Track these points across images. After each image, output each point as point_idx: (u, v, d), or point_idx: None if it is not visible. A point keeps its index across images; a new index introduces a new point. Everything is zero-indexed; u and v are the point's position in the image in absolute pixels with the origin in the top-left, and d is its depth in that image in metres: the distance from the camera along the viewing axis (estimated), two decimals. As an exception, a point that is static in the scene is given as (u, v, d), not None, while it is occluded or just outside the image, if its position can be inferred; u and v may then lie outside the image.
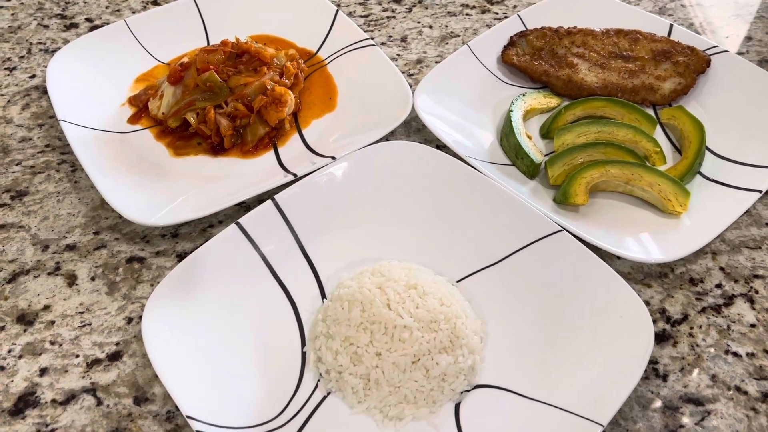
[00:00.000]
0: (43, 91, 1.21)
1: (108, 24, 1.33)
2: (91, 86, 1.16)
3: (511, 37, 1.22)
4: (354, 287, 0.83)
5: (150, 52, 1.25)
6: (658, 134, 1.11)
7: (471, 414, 0.78)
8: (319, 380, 0.81)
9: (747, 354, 0.84)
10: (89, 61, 1.19)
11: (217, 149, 1.08)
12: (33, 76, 1.24)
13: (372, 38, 1.22)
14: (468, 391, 0.80)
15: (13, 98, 1.19)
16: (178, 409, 0.79)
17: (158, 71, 1.22)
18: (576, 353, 0.80)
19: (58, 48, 1.26)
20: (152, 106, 1.12)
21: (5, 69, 1.25)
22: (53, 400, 0.80)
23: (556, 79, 1.16)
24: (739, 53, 1.28)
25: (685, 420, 0.78)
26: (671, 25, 1.22)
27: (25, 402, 0.80)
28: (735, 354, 0.84)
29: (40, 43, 1.33)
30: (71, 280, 0.92)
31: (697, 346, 0.85)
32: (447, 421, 0.77)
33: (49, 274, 0.93)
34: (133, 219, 0.92)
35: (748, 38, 1.33)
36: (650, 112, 1.14)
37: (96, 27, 1.36)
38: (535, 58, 1.19)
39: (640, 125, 1.08)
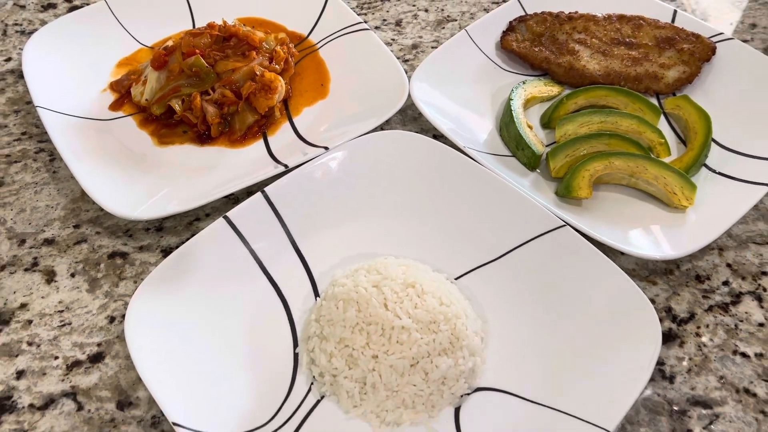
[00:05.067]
0: (19, 75, 1.15)
1: (88, 5, 1.26)
2: (70, 71, 1.11)
3: (511, 23, 1.18)
4: (349, 286, 0.80)
5: (132, 34, 1.20)
6: (662, 124, 1.07)
7: (472, 418, 0.75)
8: (312, 383, 0.78)
9: (756, 354, 0.82)
10: (68, 43, 1.14)
11: (204, 138, 1.04)
12: (8, 59, 1.19)
13: (365, 22, 1.17)
14: (468, 394, 0.77)
15: (-12, 83, 1.14)
16: (164, 414, 0.75)
17: (141, 55, 1.18)
18: (581, 354, 0.78)
19: (35, 30, 1.20)
20: (135, 92, 1.07)
21: (-21, 52, 1.20)
22: (31, 405, 0.76)
23: (557, 66, 1.12)
24: (744, 41, 1.24)
25: (693, 424, 0.76)
26: (675, 11, 1.19)
27: (1, 407, 0.76)
28: (743, 354, 0.82)
29: (16, 24, 1.27)
30: (50, 276, 0.88)
31: (705, 346, 0.82)
32: (447, 425, 0.75)
33: (26, 270, 0.89)
34: (115, 212, 0.88)
35: (753, 25, 1.29)
36: (654, 101, 1.11)
37: (75, 8, 1.30)
38: (535, 45, 1.15)
39: (643, 115, 1.05)
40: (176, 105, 1.03)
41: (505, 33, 1.17)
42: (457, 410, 0.76)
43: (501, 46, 1.16)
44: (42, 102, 1.02)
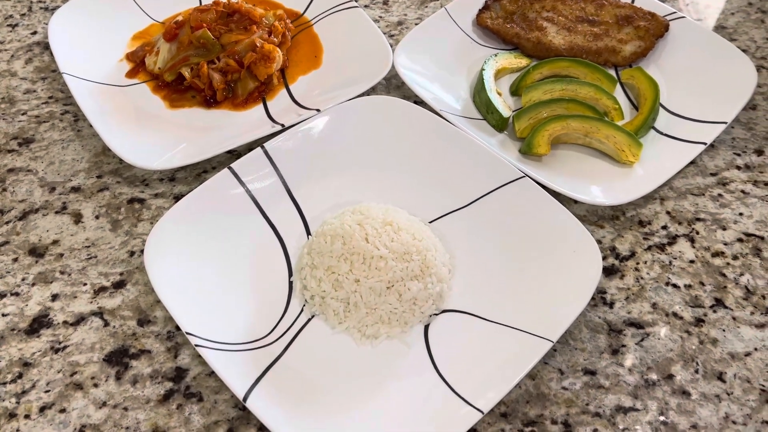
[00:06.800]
0: (44, 46, 1.27)
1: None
2: (90, 43, 1.22)
3: (486, 2, 1.29)
4: (336, 224, 0.92)
5: (145, 11, 1.31)
6: (618, 93, 1.19)
7: (438, 334, 0.87)
8: (304, 305, 0.90)
9: (685, 285, 0.94)
10: (88, 18, 1.25)
11: (210, 102, 1.15)
12: (34, 33, 1.31)
13: (356, 0, 1.28)
14: (436, 314, 0.89)
15: (17, 53, 1.26)
16: (177, 330, 0.88)
17: (153, 30, 1.29)
18: (532, 283, 0.89)
19: (58, 6, 1.32)
20: (149, 62, 1.19)
21: (8, 26, 1.32)
22: (65, 322, 0.88)
23: (526, 41, 1.24)
24: (697, 19, 1.36)
25: (627, 340, 0.88)
26: (635, -8, 1.31)
27: (39, 323, 0.88)
28: (674, 285, 0.94)
29: (40, 1, 1.39)
30: (77, 218, 1.00)
31: (642, 278, 0.95)
32: (417, 339, 0.87)
33: (56, 212, 1.01)
34: (135, 163, 0.99)
35: (707, 6, 1.41)
36: (612, 72, 1.22)
37: (93, -13, 1.41)
38: (507, 22, 1.27)
39: (601, 84, 1.16)
40: (186, 72, 1.15)
41: (480, 11, 1.29)
42: (426, 327, 0.88)
43: (477, 22, 1.28)
44: (67, 69, 1.13)
